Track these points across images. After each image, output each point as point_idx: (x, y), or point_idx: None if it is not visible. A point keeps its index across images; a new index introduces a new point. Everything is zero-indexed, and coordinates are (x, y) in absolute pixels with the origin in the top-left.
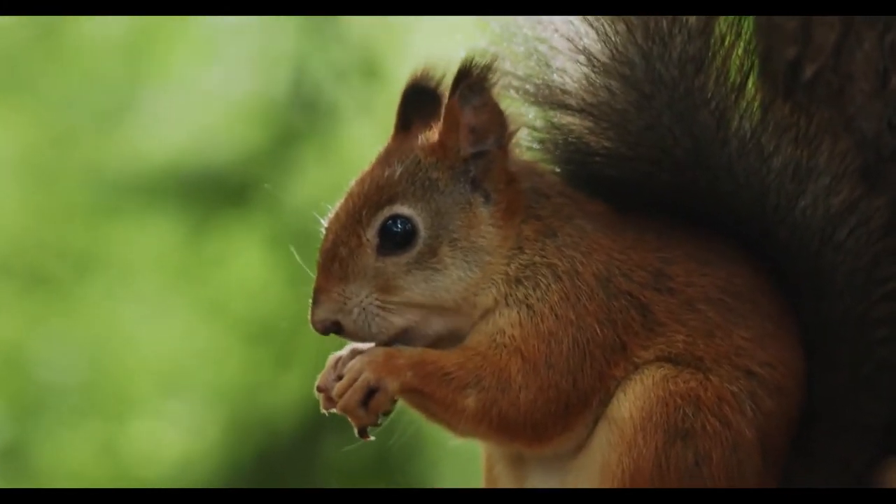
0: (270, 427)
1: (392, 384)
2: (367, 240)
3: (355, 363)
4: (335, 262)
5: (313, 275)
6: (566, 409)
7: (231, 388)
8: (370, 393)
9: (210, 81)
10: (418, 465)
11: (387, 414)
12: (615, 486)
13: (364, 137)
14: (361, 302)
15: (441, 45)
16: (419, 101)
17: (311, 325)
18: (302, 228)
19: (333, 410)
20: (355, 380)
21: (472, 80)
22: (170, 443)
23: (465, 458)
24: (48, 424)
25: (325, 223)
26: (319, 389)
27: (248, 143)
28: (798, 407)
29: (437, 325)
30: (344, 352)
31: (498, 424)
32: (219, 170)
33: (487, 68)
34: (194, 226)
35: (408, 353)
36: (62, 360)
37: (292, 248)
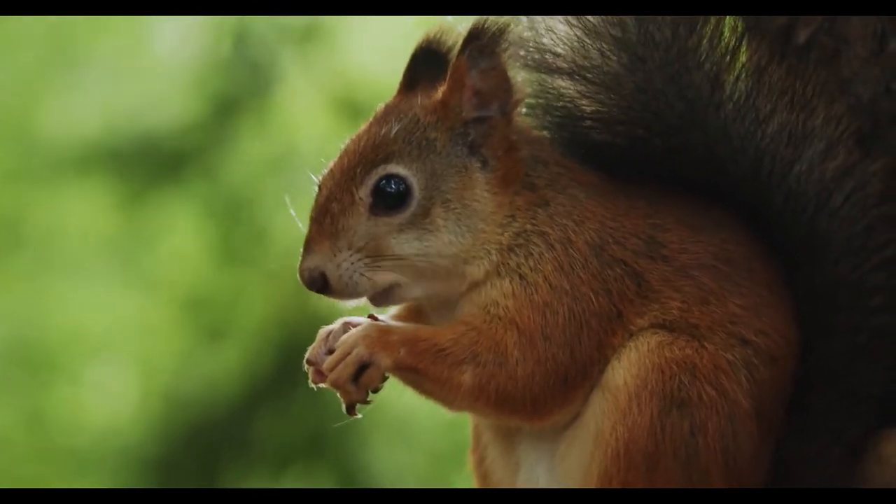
0: (205, 399)
1: (385, 360)
2: (360, 198)
3: (348, 337)
4: (327, 217)
5: (247, 251)
6: (565, 382)
7: (164, 360)
8: (362, 368)
9: (146, 46)
10: (352, 441)
11: (376, 391)
12: (609, 455)
13: (304, 107)
14: (351, 257)
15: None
16: (428, 63)
17: (298, 275)
18: (239, 199)
19: (322, 385)
20: (347, 354)
21: (483, 42)
22: (100, 413)
23: (397, 435)
24: None
25: (317, 180)
26: (309, 362)
27: (185, 111)
28: (792, 376)
29: (423, 290)
30: (335, 325)
31: (496, 400)
32: (154, 139)
33: (500, 32)
34: (129, 195)
35: (401, 329)
36: None
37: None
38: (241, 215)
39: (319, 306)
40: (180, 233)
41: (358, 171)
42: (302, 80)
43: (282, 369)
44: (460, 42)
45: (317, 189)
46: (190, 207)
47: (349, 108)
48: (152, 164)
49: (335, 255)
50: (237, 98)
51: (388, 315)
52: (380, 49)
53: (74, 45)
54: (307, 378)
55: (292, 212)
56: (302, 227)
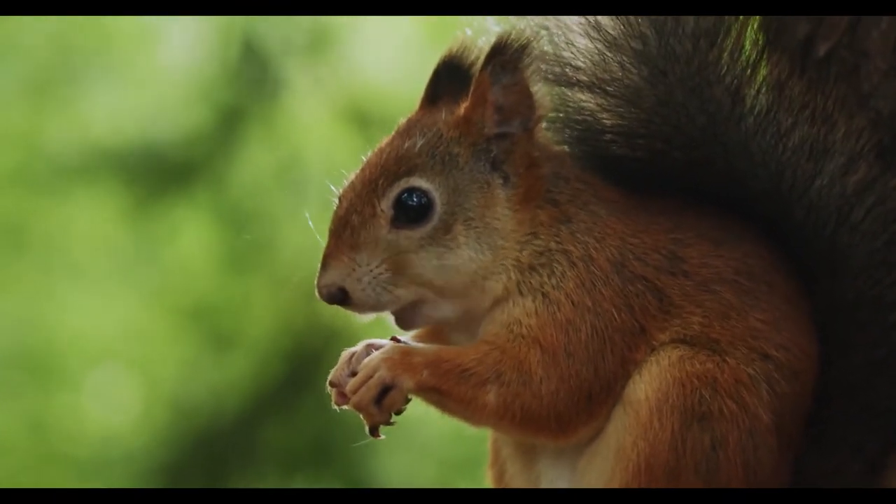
0: (211, 408)
1: (408, 382)
2: (382, 210)
3: (371, 360)
4: (347, 229)
5: (253, 260)
6: (589, 398)
7: (170, 368)
8: (385, 391)
9: (153, 55)
10: (359, 449)
11: (399, 412)
12: (630, 470)
13: (311, 116)
14: (372, 271)
15: (392, 21)
16: (451, 77)
17: (316, 291)
18: (246, 208)
19: (345, 407)
20: (370, 377)
21: (506, 58)
22: (103, 420)
23: (405, 443)
24: None
25: (337, 192)
26: (332, 384)
27: (192, 120)
28: (812, 390)
29: (443, 306)
30: (358, 347)
31: (521, 418)
32: (161, 147)
33: (523, 48)
34: (135, 203)
35: (424, 350)
36: None
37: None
38: (248, 223)
39: (326, 315)
40: (186, 241)
41: (380, 183)
42: (308, 89)
43: (288, 378)
44: (483, 57)
45: (336, 202)
46: (196, 216)
47: (356, 116)
48: (159, 173)
49: (354, 270)
50: (244, 107)
51: (409, 336)
52: (386, 58)
53: (81, 53)
54: (314, 386)
55: (307, 217)
56: (316, 234)
